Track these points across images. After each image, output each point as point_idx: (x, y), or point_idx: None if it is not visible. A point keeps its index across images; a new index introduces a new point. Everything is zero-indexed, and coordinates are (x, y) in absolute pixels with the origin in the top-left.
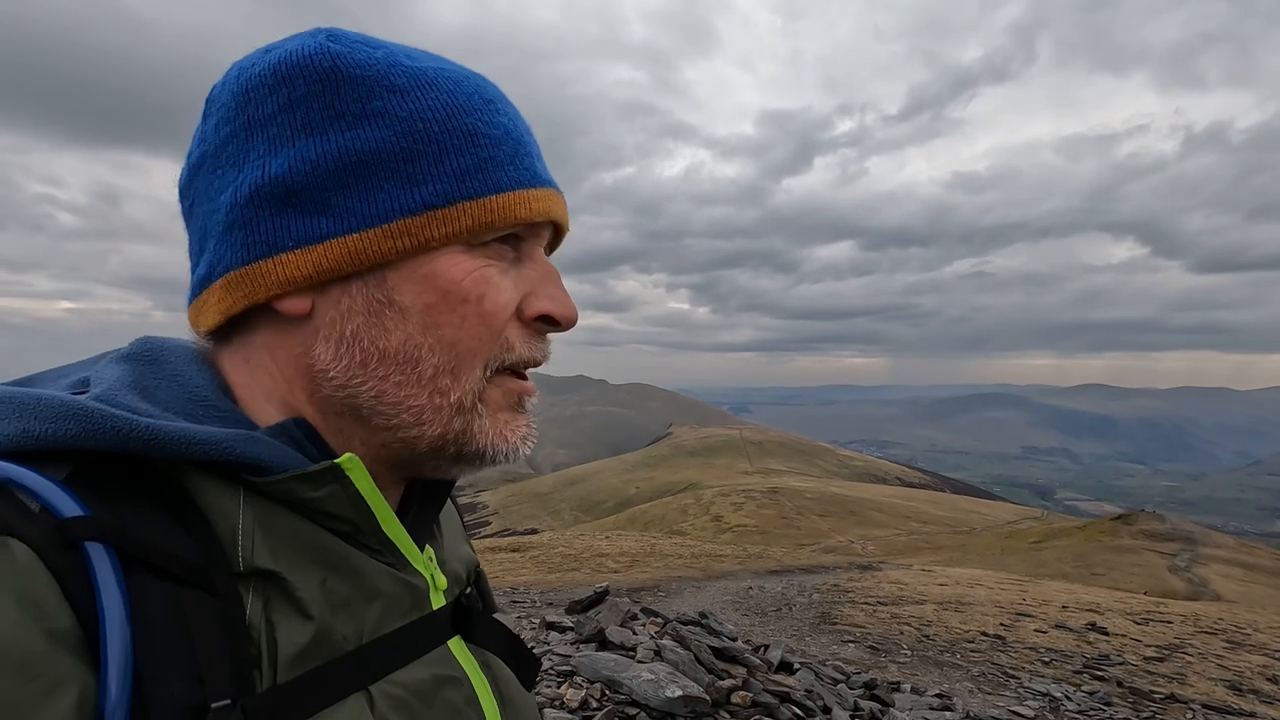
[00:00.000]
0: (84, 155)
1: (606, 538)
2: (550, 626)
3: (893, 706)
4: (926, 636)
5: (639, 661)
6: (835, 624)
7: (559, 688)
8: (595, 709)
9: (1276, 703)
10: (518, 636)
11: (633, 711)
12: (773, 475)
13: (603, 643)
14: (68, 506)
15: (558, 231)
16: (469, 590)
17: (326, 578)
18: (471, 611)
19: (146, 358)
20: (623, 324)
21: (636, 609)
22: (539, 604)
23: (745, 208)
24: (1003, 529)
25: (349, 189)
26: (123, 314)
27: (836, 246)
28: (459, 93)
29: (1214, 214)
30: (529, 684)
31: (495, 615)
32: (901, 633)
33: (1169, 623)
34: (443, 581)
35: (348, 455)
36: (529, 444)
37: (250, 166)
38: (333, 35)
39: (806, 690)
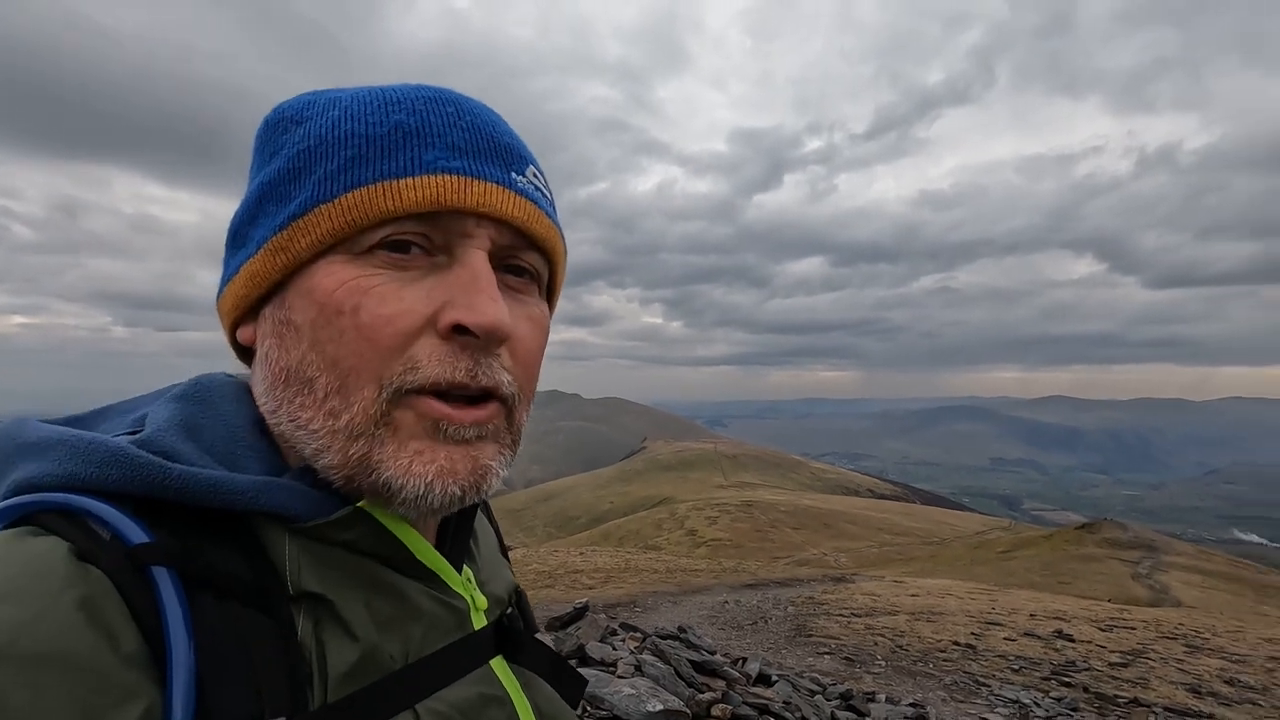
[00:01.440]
0: (43, 167)
1: (581, 554)
2: None
3: (868, 716)
4: (900, 647)
5: (620, 677)
6: (810, 636)
7: None
8: None
9: (1234, 704)
10: (560, 656)
11: None
12: (747, 489)
13: (583, 659)
14: (135, 534)
15: (537, 241)
16: (510, 611)
17: (370, 600)
18: (513, 631)
19: (197, 396)
20: (597, 338)
21: (616, 624)
22: None
23: (718, 223)
24: (972, 539)
25: (257, 220)
26: (80, 329)
27: (808, 262)
28: (355, 105)
29: (1167, 232)
30: (574, 702)
31: (537, 635)
32: (875, 643)
33: (1132, 629)
34: (483, 602)
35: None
36: (458, 484)
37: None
38: (305, 93)
39: (785, 702)
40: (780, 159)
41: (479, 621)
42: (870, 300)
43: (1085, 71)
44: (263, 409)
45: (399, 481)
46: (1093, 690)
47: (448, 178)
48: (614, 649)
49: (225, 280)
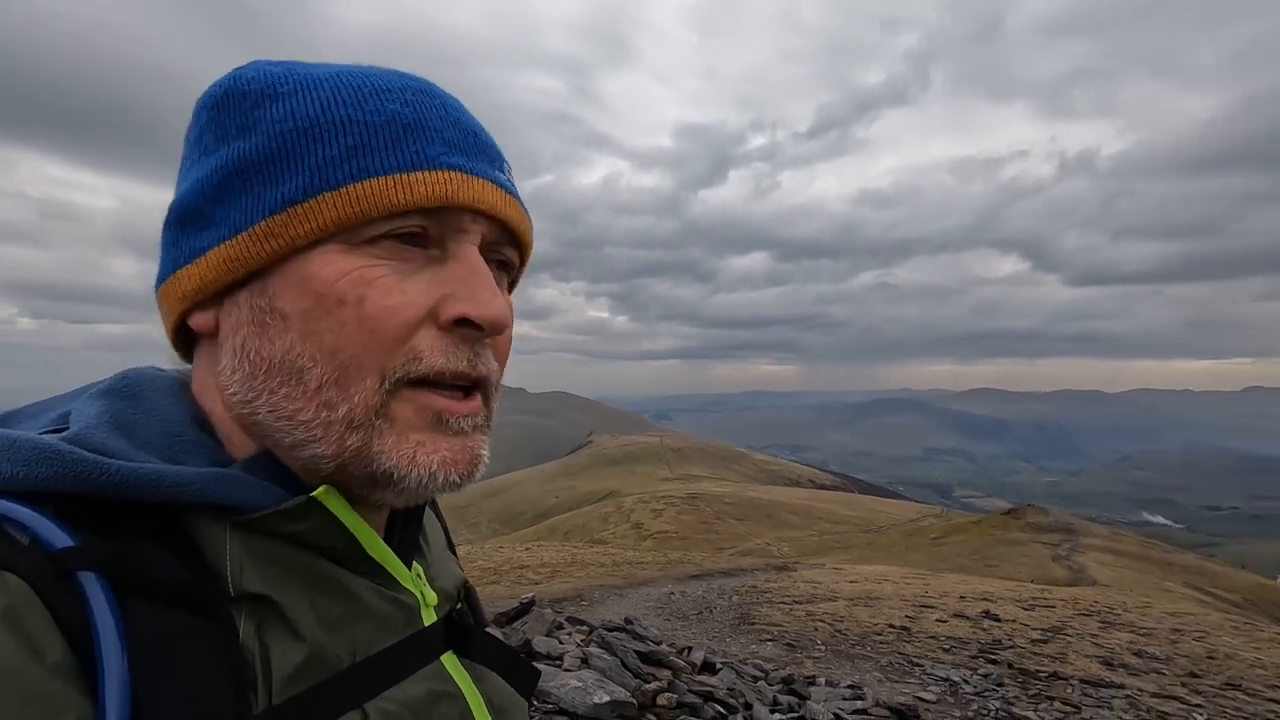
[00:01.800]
0: None
1: (527, 549)
2: None
3: (809, 699)
4: (839, 631)
5: (566, 670)
6: (754, 624)
7: None
8: None
9: (1142, 674)
10: (513, 649)
11: None
12: (692, 481)
13: (530, 653)
14: (58, 538)
15: (516, 236)
16: (459, 606)
17: (316, 599)
18: (463, 627)
19: (125, 392)
20: (542, 332)
21: (562, 618)
22: None
23: (664, 218)
24: (907, 526)
25: (227, 200)
26: None
27: (752, 257)
28: (342, 88)
29: (1085, 233)
30: (527, 695)
31: (488, 629)
32: (816, 629)
33: (1052, 607)
34: (433, 598)
35: (324, 488)
36: (458, 473)
37: (174, 194)
38: (254, 62)
39: (729, 688)
40: (725, 155)
41: (429, 618)
42: (812, 295)
43: (1012, 78)
44: (232, 399)
45: (402, 471)
46: (1016, 666)
47: (453, 174)
48: (560, 643)
49: (178, 263)
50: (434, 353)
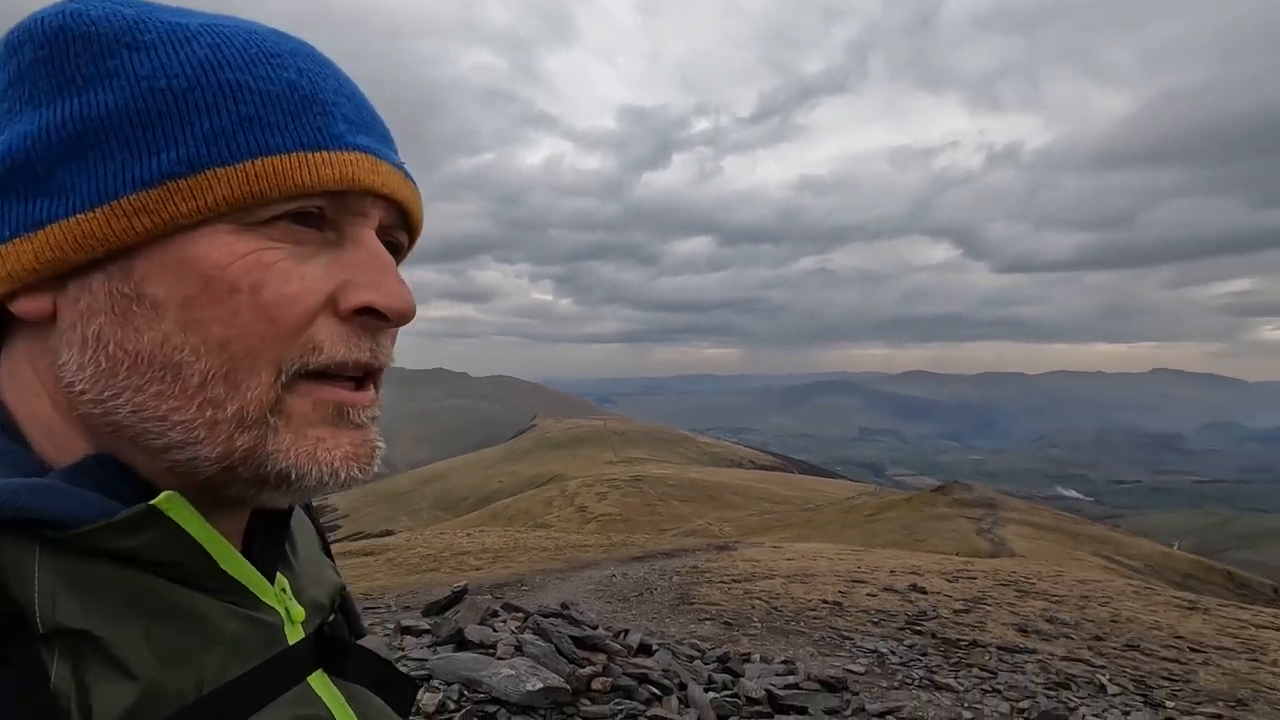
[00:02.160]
0: None
1: (468, 534)
2: (406, 631)
3: (742, 676)
4: (775, 608)
5: (499, 658)
6: (693, 604)
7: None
8: (453, 710)
9: (1053, 639)
10: (388, 661)
11: (492, 709)
12: (636, 464)
13: (461, 642)
14: None
15: (409, 221)
16: (332, 618)
17: (151, 629)
18: (335, 642)
19: None
20: (484, 315)
21: (497, 605)
22: (394, 608)
23: (607, 201)
24: (843, 505)
25: (74, 164)
26: None
27: (695, 241)
28: (226, 46)
29: (1011, 223)
30: (405, 710)
31: (364, 641)
32: (753, 607)
33: (974, 579)
34: (300, 613)
35: (166, 494)
36: (360, 467)
37: None
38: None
39: (664, 670)
40: (668, 139)
41: (294, 635)
42: (753, 280)
43: (945, 70)
44: (79, 398)
45: (301, 470)
46: (939, 636)
47: (360, 156)
48: (494, 630)
49: (13, 230)
50: (335, 343)
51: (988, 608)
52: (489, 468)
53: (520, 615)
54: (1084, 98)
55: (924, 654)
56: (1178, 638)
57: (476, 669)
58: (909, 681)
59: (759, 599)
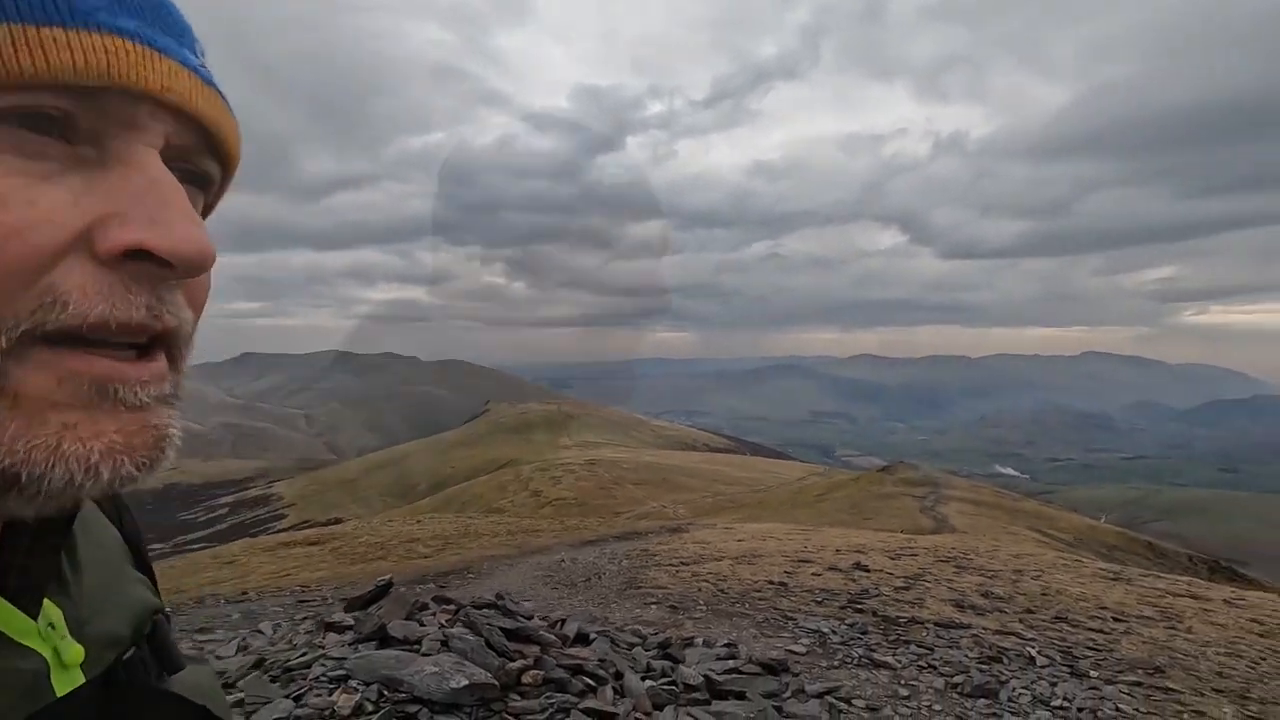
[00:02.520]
0: None
1: (418, 521)
2: (330, 628)
3: (682, 662)
4: (721, 590)
5: (424, 655)
6: (640, 588)
7: (330, 695)
8: (371, 712)
9: (987, 614)
10: (203, 707)
11: (414, 709)
12: (591, 448)
13: (384, 639)
14: None
15: (218, 145)
16: (130, 652)
17: None
18: (129, 686)
19: None
20: (435, 298)
21: (428, 598)
22: (331, 601)
23: (561, 183)
24: (793, 485)
25: None
26: None
27: (649, 225)
28: None
29: (956, 210)
30: None
31: (182, 676)
32: (699, 589)
33: (916, 555)
34: (76, 654)
35: None
36: (135, 461)
37: None
38: None
39: (600, 659)
40: (623, 120)
41: (66, 683)
42: (707, 264)
43: (894, 59)
44: None
45: (36, 470)
46: (880, 614)
47: (120, 41)
48: (421, 625)
49: None
50: (88, 295)
51: (927, 584)
52: (442, 453)
53: (451, 608)
54: (1025, 89)
55: (864, 632)
56: (1103, 608)
57: (398, 667)
58: (849, 660)
59: (706, 581)
